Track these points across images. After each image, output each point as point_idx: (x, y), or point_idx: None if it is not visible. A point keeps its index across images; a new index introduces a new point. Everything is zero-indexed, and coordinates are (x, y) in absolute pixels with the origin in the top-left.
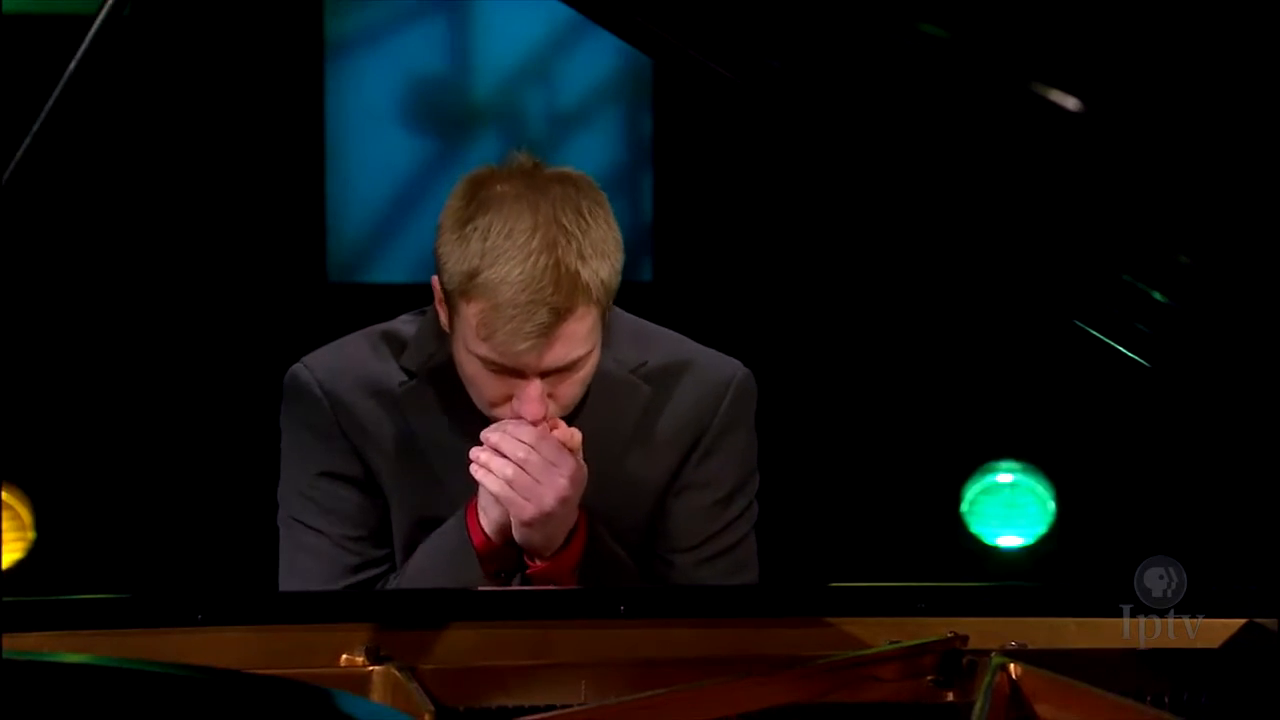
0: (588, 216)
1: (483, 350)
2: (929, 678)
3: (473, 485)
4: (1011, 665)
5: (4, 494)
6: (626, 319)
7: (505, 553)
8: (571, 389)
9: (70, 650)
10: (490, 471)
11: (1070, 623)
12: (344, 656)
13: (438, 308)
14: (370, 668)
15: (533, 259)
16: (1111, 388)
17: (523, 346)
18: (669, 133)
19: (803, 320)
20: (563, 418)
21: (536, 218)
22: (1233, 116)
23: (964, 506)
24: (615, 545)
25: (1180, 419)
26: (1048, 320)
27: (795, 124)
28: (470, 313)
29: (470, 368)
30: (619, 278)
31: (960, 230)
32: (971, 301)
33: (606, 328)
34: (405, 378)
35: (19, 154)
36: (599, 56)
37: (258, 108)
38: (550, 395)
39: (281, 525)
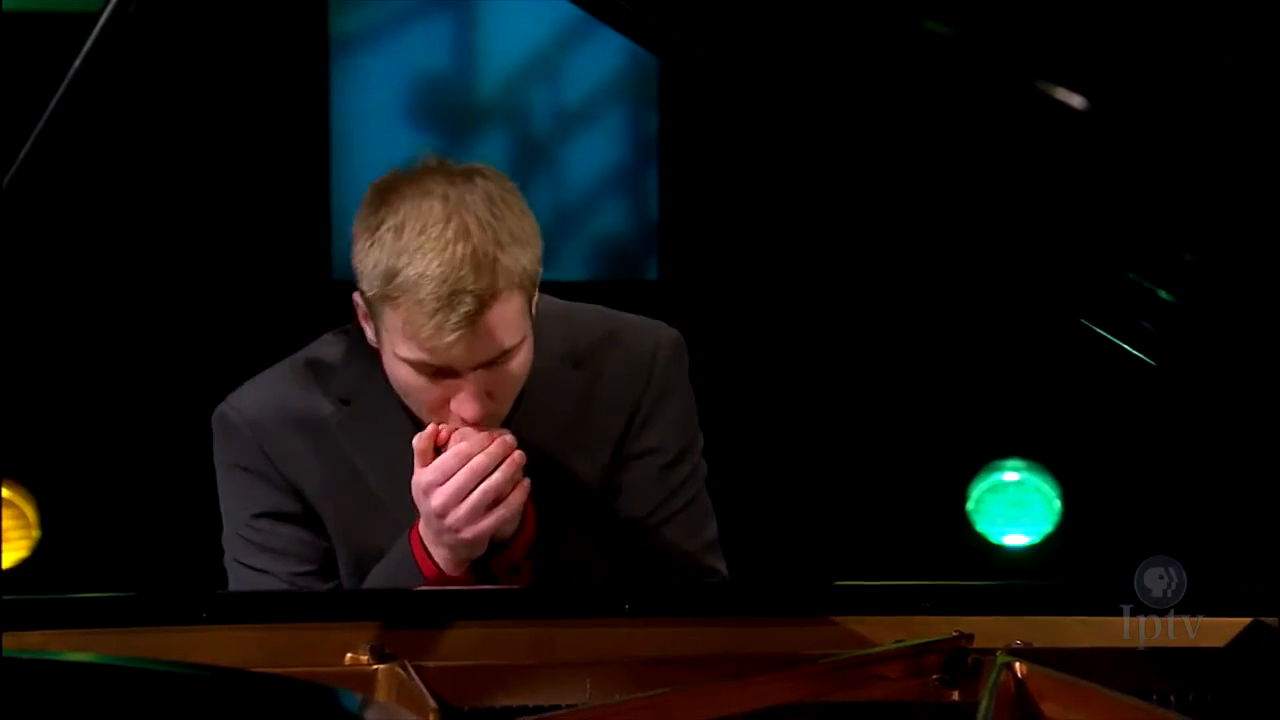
0: (500, 205)
1: (411, 352)
2: (934, 677)
3: (408, 504)
4: (1017, 664)
5: (9, 492)
6: (549, 304)
7: (459, 579)
8: (507, 384)
9: (75, 649)
10: (479, 512)
11: (1075, 622)
12: (348, 655)
13: (362, 323)
14: (375, 666)
15: (449, 249)
16: (1117, 386)
17: (450, 338)
18: (674, 131)
19: (808, 318)
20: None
21: (447, 209)
22: (1237, 115)
23: (969, 505)
24: (562, 520)
25: (1186, 417)
26: (1053, 319)
27: (801, 122)
28: (394, 316)
29: (402, 375)
30: (540, 266)
31: (966, 228)
32: (978, 300)
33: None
34: (338, 405)
35: (24, 150)
36: (604, 54)
37: (263, 105)
38: (488, 394)
39: (228, 568)
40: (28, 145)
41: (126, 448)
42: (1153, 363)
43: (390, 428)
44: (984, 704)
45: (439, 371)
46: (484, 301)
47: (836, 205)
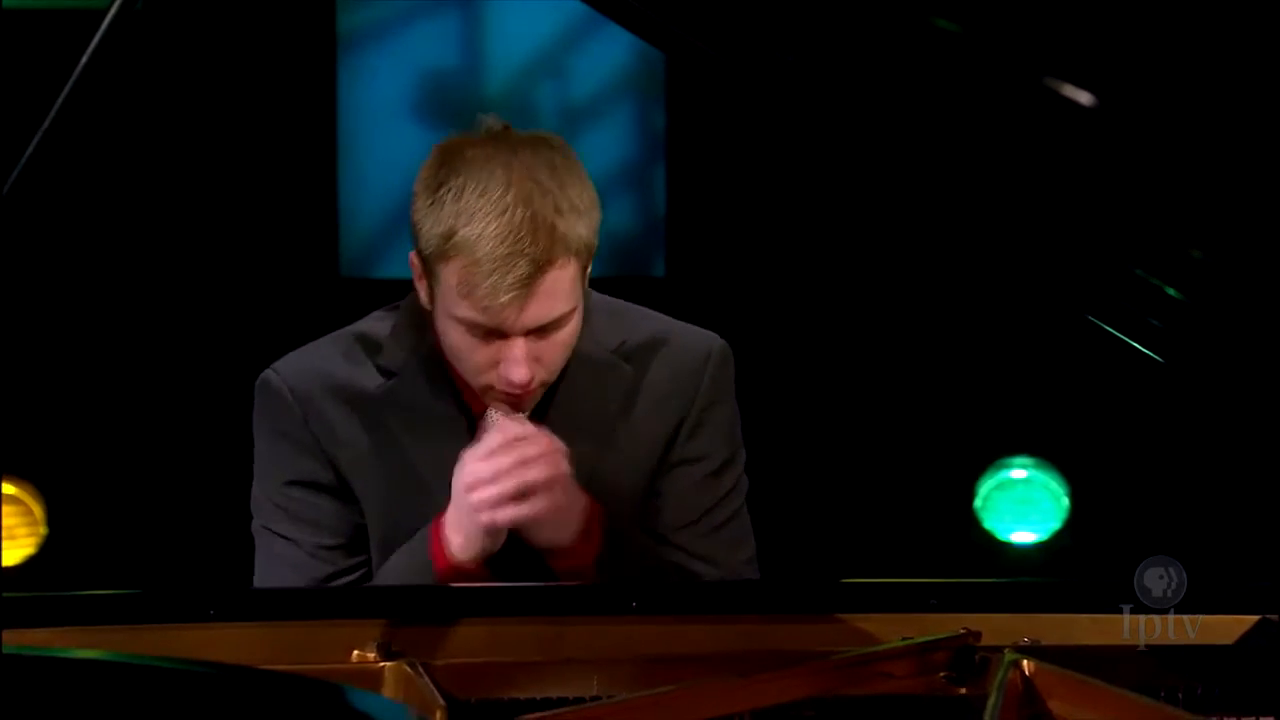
0: (562, 172)
1: (464, 311)
2: (941, 674)
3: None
4: (1024, 662)
5: (16, 489)
6: (600, 299)
7: (472, 575)
8: (555, 352)
9: (82, 646)
10: (502, 502)
11: (1083, 619)
12: (356, 652)
13: (416, 285)
14: (382, 663)
15: (509, 213)
16: (1125, 383)
17: (504, 299)
18: (682, 127)
19: (816, 315)
20: (548, 401)
21: (510, 175)
22: (1245, 111)
23: (977, 502)
24: (635, 530)
25: (1194, 415)
26: (1061, 316)
27: (809, 118)
28: (449, 274)
29: (453, 335)
30: (597, 237)
31: (974, 226)
32: (985, 297)
33: (585, 308)
34: (384, 379)
35: (31, 147)
36: (611, 51)
37: (270, 102)
38: (536, 360)
39: (255, 533)
40: (34, 142)
41: (134, 445)
42: (1161, 360)
43: (434, 403)
44: (991, 701)
45: (490, 333)
46: (539, 266)
47: (844, 202)
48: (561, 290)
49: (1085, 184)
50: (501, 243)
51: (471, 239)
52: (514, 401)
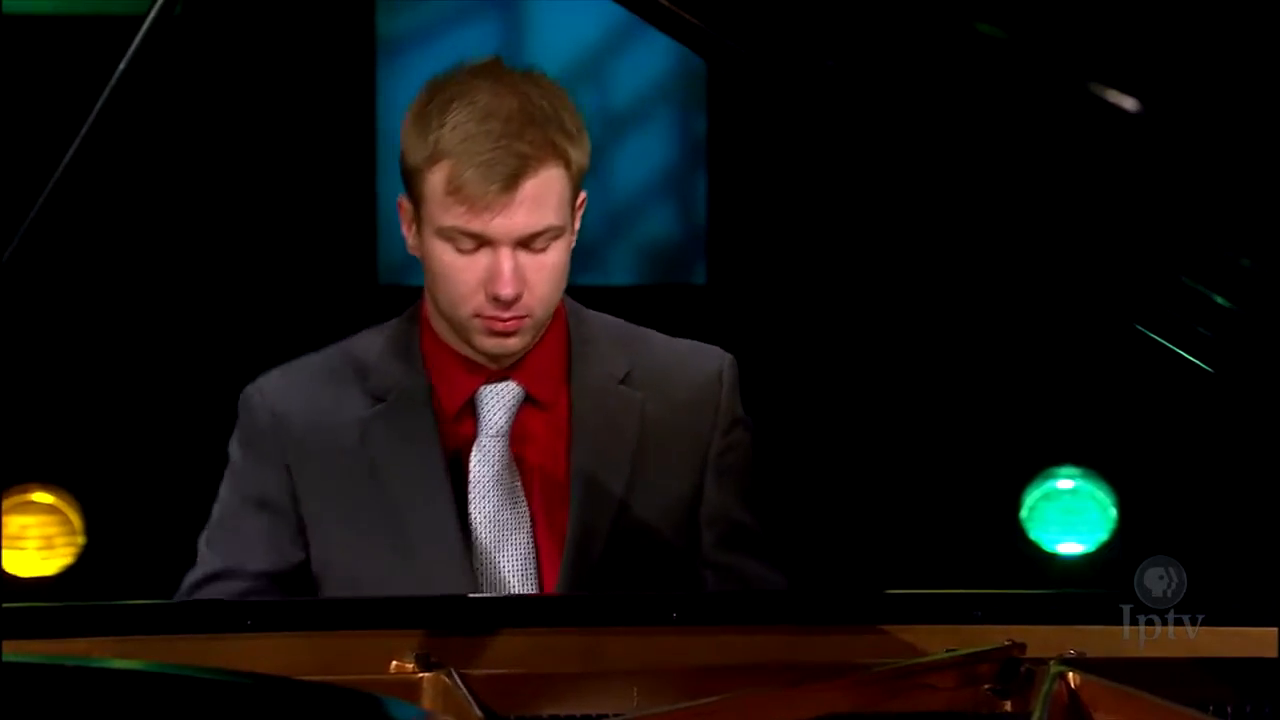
0: (553, 93)
1: (451, 219)
2: (986, 686)
3: (428, 515)
4: (1070, 674)
5: (54, 498)
6: (602, 324)
7: None
8: (544, 275)
9: (119, 656)
10: None
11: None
12: (394, 663)
13: (405, 232)
14: (420, 674)
15: (502, 105)
16: (1173, 393)
17: (493, 188)
18: (723, 134)
19: (859, 322)
20: (565, 440)
21: (499, 86)
22: None
23: (1023, 513)
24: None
25: (1243, 425)
26: (1109, 325)
27: (849, 125)
28: (436, 179)
29: (441, 256)
30: (587, 164)
31: (1020, 234)
32: (1033, 305)
33: (586, 341)
34: (371, 404)
35: (70, 152)
36: (652, 57)
37: (310, 107)
38: (523, 281)
39: (200, 545)
40: (75, 146)
41: (172, 454)
42: (1209, 369)
43: (419, 432)
44: (1037, 714)
45: (479, 246)
46: (527, 161)
47: (886, 210)
48: (551, 199)
49: (1134, 192)
50: (490, 134)
51: (460, 133)
52: (501, 333)
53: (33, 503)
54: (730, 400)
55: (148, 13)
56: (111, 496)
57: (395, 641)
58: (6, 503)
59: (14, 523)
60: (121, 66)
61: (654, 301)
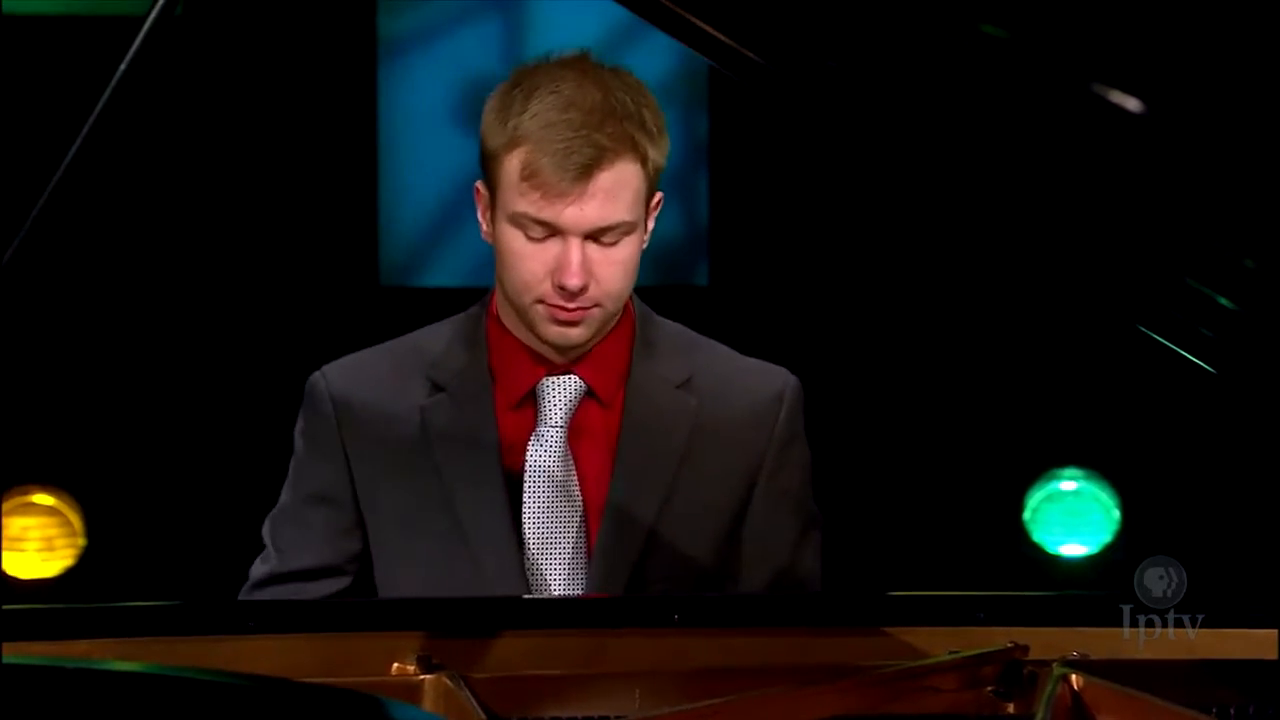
0: (639, 90)
1: (524, 205)
2: (989, 688)
3: (481, 503)
4: (1073, 676)
5: (54, 500)
6: (671, 331)
7: None
8: (611, 270)
9: (120, 657)
10: None
11: (1133, 633)
12: (395, 665)
13: (480, 219)
14: (422, 676)
15: (583, 96)
16: (1176, 394)
17: (568, 177)
18: (725, 135)
19: (861, 325)
20: (613, 436)
21: (584, 78)
22: None
23: (1026, 515)
24: None
25: (1246, 426)
26: (1111, 326)
27: (852, 126)
28: (513, 164)
29: (511, 241)
30: (664, 163)
31: (1020, 234)
32: (1035, 307)
33: (650, 343)
34: (433, 392)
35: (71, 153)
36: (654, 58)
37: (310, 108)
38: (590, 274)
39: (264, 532)
40: (75, 147)
41: (173, 455)
42: (1212, 370)
43: (478, 419)
44: (1039, 716)
45: (549, 234)
46: (604, 153)
47: (888, 210)
48: (624, 195)
49: (1137, 193)
50: (570, 124)
51: (540, 120)
52: (565, 322)
53: (33, 504)
54: (790, 422)
55: (148, 13)
56: (112, 498)
57: (397, 643)
58: (7, 504)
59: (14, 524)
60: (122, 67)
61: (656, 302)
